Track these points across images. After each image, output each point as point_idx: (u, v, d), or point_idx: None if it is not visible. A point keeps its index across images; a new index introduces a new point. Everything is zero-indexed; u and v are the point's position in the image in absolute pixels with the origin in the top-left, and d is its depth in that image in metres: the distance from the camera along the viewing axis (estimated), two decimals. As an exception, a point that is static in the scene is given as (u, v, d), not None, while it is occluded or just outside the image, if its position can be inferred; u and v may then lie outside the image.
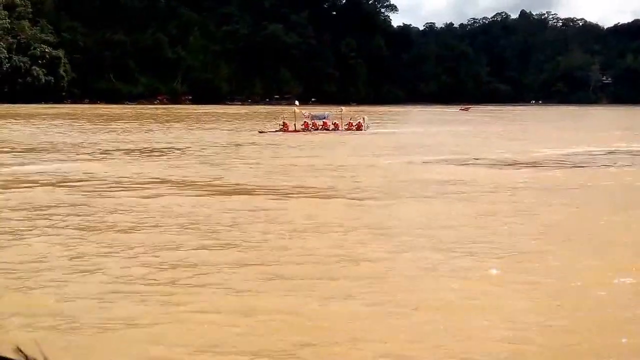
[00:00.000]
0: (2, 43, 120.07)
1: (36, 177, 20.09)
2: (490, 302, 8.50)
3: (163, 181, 19.93)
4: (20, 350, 0.57)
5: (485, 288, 9.08)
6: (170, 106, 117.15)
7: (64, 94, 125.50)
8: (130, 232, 12.43)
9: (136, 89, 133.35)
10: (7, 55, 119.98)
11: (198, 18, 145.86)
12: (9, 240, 11.56)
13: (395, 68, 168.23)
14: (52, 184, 18.72)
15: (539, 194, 18.00)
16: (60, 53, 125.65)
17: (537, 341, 7.30)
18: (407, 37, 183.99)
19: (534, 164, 26.55)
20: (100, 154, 28.88)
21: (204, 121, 63.92)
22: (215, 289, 8.97)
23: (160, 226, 12.97)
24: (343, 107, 52.92)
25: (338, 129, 46.36)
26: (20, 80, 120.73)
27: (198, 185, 19.23)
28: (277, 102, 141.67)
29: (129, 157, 27.44)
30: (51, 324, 7.48)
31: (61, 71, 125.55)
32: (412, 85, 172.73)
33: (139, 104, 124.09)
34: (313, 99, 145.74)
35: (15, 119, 59.26)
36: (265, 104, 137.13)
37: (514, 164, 26.65)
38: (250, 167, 24.02)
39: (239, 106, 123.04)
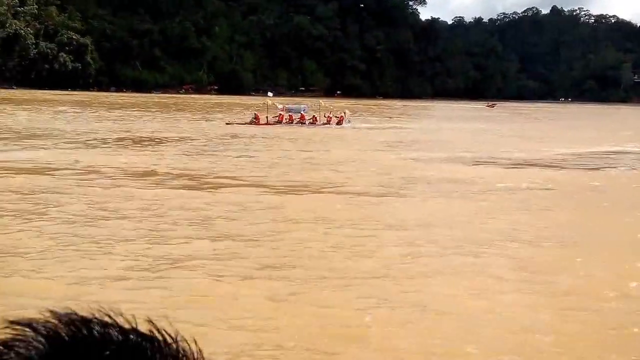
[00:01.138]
0: (29, 29, 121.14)
1: (20, 165, 19.98)
2: (496, 304, 8.42)
3: (149, 172, 19.62)
4: (152, 322, 0.59)
5: (490, 289, 8.98)
6: (194, 96, 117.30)
7: (90, 81, 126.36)
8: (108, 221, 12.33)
9: (162, 78, 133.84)
10: (34, 41, 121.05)
11: (224, 8, 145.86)
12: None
13: (422, 62, 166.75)
14: (36, 172, 18.60)
15: (542, 195, 17.59)
16: (88, 40, 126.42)
17: (544, 344, 7.22)
18: (435, 31, 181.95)
19: (543, 164, 25.86)
20: (92, 142, 28.62)
21: (210, 111, 63.52)
22: (207, 278, 9.06)
23: (146, 218, 12.76)
24: (322, 100, 50.33)
25: (316, 123, 43.72)
26: (47, 66, 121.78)
27: (185, 177, 18.92)
28: (302, 94, 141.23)
29: (119, 147, 27.26)
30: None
31: (88, 58, 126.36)
32: (439, 80, 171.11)
33: (164, 93, 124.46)
34: (338, 92, 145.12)
35: (26, 105, 59.30)
36: (290, 95, 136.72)
37: (522, 163, 25.94)
38: (246, 160, 23.54)
39: (262, 97, 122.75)
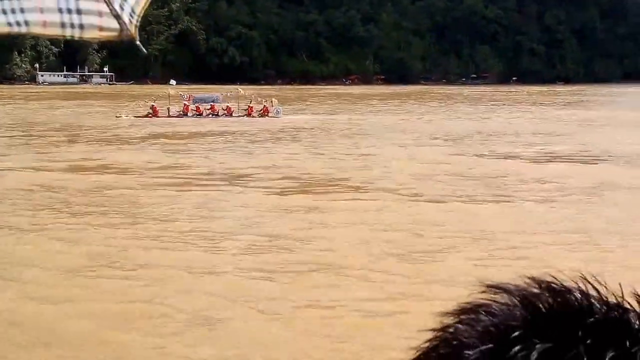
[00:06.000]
0: (200, 24, 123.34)
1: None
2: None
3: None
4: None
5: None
6: (357, 87, 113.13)
7: (257, 74, 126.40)
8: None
9: (327, 69, 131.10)
10: (205, 37, 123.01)
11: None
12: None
13: (609, 42, 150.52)
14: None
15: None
16: (255, 34, 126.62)
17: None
18: (623, 6, 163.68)
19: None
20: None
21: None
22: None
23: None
24: (241, 88, 45.94)
25: (231, 115, 39.70)
26: (216, 61, 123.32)
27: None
28: (474, 81, 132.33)
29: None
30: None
31: (256, 52, 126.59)
32: (631, 62, 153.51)
33: (329, 84, 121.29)
34: (514, 78, 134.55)
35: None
36: (461, 83, 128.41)
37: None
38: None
39: (430, 86, 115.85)
